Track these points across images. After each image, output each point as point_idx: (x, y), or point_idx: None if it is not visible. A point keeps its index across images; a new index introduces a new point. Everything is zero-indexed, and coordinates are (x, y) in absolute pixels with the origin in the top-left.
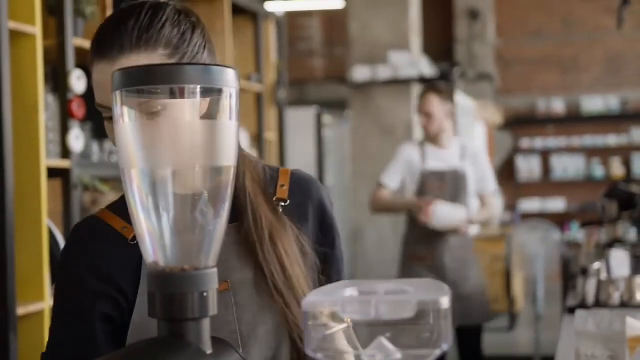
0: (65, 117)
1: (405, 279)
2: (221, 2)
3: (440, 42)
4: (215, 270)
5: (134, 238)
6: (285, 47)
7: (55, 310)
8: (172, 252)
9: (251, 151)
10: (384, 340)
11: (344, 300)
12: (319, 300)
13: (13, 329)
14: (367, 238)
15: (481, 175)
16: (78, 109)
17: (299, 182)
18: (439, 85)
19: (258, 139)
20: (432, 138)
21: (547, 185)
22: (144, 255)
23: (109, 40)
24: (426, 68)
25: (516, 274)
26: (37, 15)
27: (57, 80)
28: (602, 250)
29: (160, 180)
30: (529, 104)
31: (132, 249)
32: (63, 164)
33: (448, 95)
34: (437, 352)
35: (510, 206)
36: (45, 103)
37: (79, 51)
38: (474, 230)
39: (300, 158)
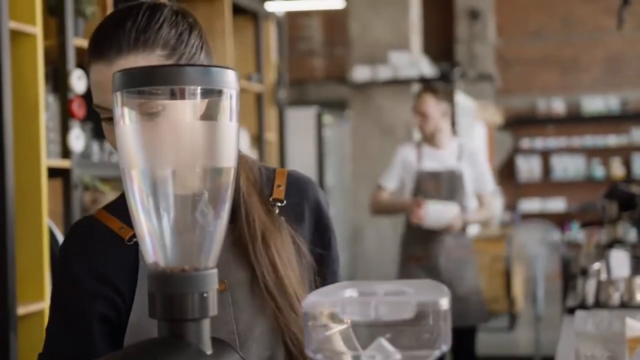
0: (65, 117)
1: (404, 280)
2: (221, 2)
3: (440, 42)
4: (215, 270)
5: (131, 239)
6: (286, 47)
7: (52, 310)
8: (172, 252)
9: (251, 151)
10: (383, 341)
11: (343, 301)
12: (319, 301)
13: (13, 328)
14: (367, 238)
15: (479, 175)
16: (78, 108)
17: (296, 183)
18: (434, 85)
19: (258, 139)
20: (428, 138)
21: (547, 185)
22: (144, 256)
23: (106, 41)
24: (426, 68)
25: (516, 274)
26: (38, 15)
27: (57, 80)
28: (602, 251)
29: (161, 180)
30: (529, 104)
31: (129, 249)
32: (63, 163)
33: (444, 95)
34: (437, 353)
35: (511, 206)
36: (45, 103)
37: (80, 51)
38: (473, 230)
39: (301, 158)
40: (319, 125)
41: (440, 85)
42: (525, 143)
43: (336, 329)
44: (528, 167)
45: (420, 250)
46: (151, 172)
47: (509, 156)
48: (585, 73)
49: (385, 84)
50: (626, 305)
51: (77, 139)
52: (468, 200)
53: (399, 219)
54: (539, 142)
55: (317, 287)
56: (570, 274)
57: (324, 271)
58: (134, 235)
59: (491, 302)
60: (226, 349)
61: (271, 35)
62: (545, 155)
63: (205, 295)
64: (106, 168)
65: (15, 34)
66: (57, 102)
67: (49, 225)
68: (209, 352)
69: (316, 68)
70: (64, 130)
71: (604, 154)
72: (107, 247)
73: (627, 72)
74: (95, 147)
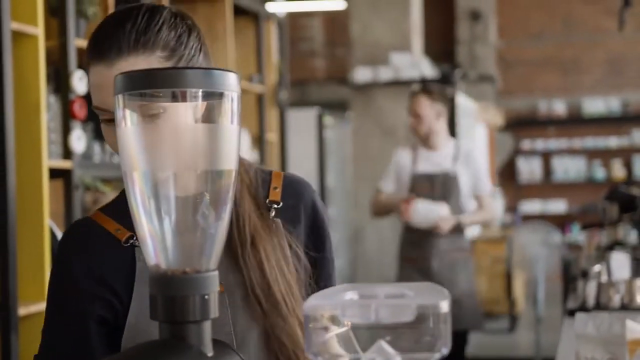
0: (67, 118)
1: (405, 283)
2: (222, 3)
3: (441, 44)
4: (216, 273)
5: (127, 240)
6: (287, 48)
7: (49, 310)
8: (173, 254)
9: (252, 152)
10: (383, 344)
11: (344, 304)
12: (319, 304)
13: (14, 329)
14: (368, 239)
15: (475, 177)
16: (80, 109)
17: (292, 185)
18: (429, 86)
19: (259, 140)
20: (423, 140)
21: (548, 186)
22: (146, 258)
23: (106, 42)
24: (427, 69)
25: (517, 275)
26: (40, 16)
27: (59, 81)
28: (603, 253)
29: (162, 183)
30: (530, 105)
31: (126, 251)
32: (65, 164)
33: (439, 96)
34: (437, 356)
35: (511, 208)
36: (47, 104)
37: (81, 52)
38: (473, 232)
39: (301, 159)
40: (320, 126)
41: (435, 87)
42: (526, 144)
43: (336, 331)
44: (529, 169)
45: (414, 252)
46: (153, 175)
47: (510, 157)
48: (586, 74)
49: (386, 85)
50: (627, 307)
51: (79, 139)
52: (465, 202)
53: (399, 220)
54: (540, 144)
55: (312, 290)
56: (570, 276)
57: (318, 273)
58: (131, 237)
59: (492, 304)
60: (227, 350)
61: (272, 36)
62: (546, 156)
63: (206, 297)
64: (107, 169)
65: (17, 35)
66: (59, 103)
67: (50, 226)
68: (210, 354)
69: (317, 69)
70: (65, 131)
71: (605, 155)
72: (104, 249)
73: (628, 74)
74: (96, 147)
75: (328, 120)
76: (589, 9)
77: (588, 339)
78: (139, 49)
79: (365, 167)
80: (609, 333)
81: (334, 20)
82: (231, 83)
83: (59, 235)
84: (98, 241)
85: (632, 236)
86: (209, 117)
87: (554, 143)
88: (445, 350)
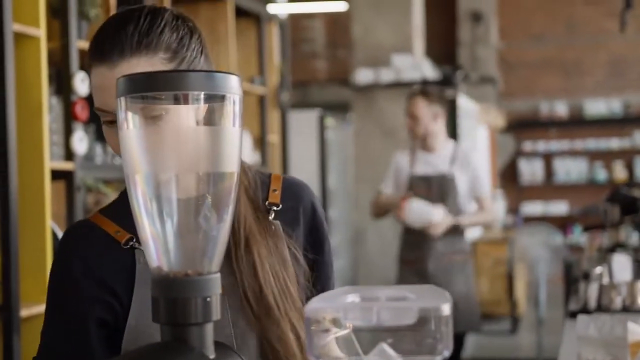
0: (68, 119)
1: (406, 285)
2: (224, 4)
3: (443, 45)
4: (218, 275)
5: (127, 242)
6: (288, 50)
7: (48, 313)
8: (175, 257)
9: (254, 153)
10: (385, 346)
11: (346, 307)
12: (321, 307)
13: (16, 330)
14: (369, 240)
15: (473, 179)
16: (82, 111)
17: (291, 187)
18: (426, 88)
19: (261, 141)
20: (420, 141)
21: (549, 188)
22: (148, 260)
23: (108, 44)
24: (429, 71)
25: (518, 277)
26: (41, 17)
27: (60, 83)
28: (604, 255)
29: (164, 185)
30: (532, 107)
31: (125, 253)
32: (66, 166)
33: (436, 98)
34: (438, 359)
35: (513, 209)
36: (49, 105)
37: (83, 53)
38: (475, 233)
39: (303, 160)
40: (322, 128)
41: (433, 88)
42: (527, 146)
43: (338, 333)
44: (530, 170)
45: (411, 254)
46: (155, 177)
47: (512, 159)
48: (587, 76)
49: (387, 87)
50: (628, 309)
51: (80, 141)
52: (463, 204)
53: (399, 222)
54: (542, 145)
55: (311, 293)
56: (572, 278)
57: (317, 275)
58: (130, 239)
59: (493, 305)
60: (228, 352)
61: (274, 38)
62: (548, 158)
63: (208, 299)
64: (109, 170)
65: (19, 36)
66: (61, 105)
67: (52, 227)
68: (212, 356)
69: (319, 70)
70: (67, 132)
71: (607, 157)
72: (103, 251)
73: (630, 76)
74: (98, 149)
75: (329, 121)
76: (591, 11)
77: (590, 340)
78: (141, 51)
79: (366, 168)
80: (610, 335)
81: (335, 22)
82: (233, 86)
83: (61, 236)
84: (98, 243)
85: (633, 238)
86: (211, 119)
87: (555, 145)
88: (446, 353)
